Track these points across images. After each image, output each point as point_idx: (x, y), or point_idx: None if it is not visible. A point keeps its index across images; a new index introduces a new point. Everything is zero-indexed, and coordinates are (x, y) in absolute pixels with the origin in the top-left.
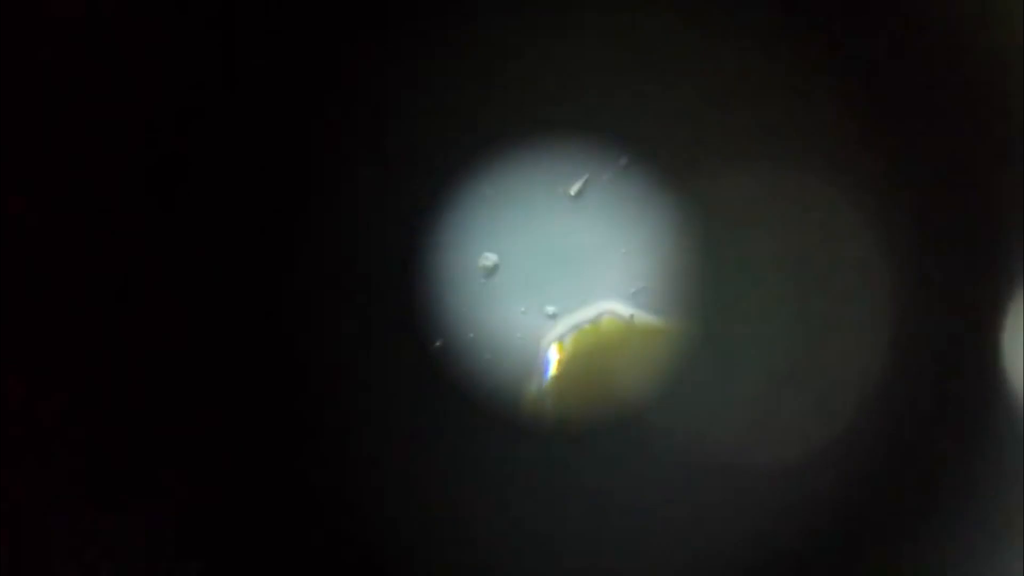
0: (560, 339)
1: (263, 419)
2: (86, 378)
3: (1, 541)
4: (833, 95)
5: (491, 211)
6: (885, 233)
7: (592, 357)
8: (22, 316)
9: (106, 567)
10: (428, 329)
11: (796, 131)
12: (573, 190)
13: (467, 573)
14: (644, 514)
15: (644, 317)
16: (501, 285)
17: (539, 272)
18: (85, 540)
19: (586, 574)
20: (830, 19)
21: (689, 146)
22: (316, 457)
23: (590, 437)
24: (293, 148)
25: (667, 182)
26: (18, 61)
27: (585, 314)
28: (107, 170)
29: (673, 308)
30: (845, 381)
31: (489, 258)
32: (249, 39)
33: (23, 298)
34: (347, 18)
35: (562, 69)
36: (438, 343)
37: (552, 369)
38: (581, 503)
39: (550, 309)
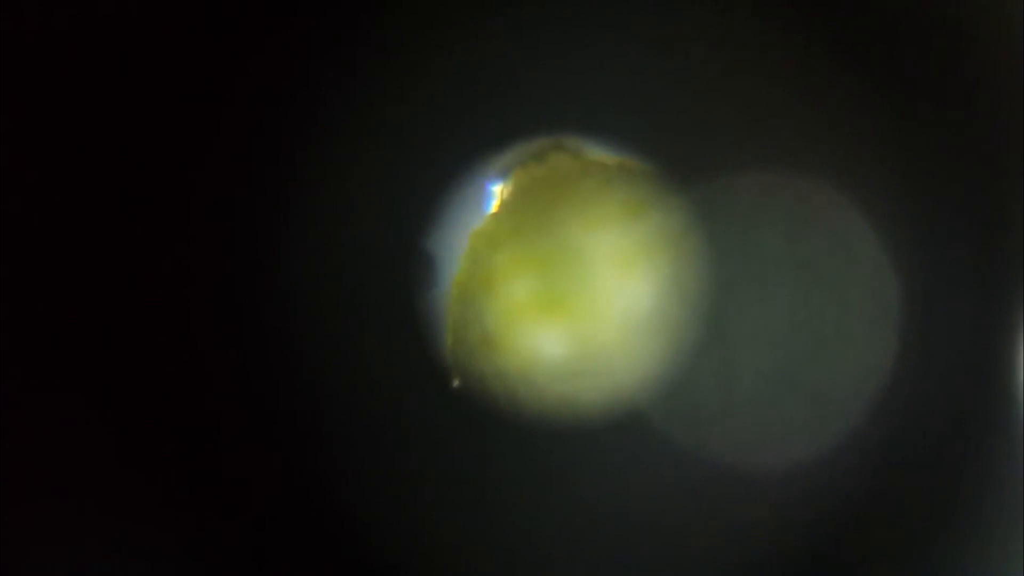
0: (504, 173)
1: (261, 418)
2: (85, 379)
3: (1, 542)
4: (835, 96)
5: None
6: (888, 235)
7: (538, 192)
8: (22, 316)
9: (107, 569)
10: (427, 330)
11: (798, 133)
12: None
13: (467, 573)
14: (645, 515)
15: (595, 151)
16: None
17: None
18: (86, 542)
19: (583, 574)
20: (832, 20)
21: (692, 148)
22: (315, 459)
23: (589, 437)
24: (291, 147)
25: (670, 184)
26: (18, 61)
27: (531, 148)
28: (107, 170)
29: (627, 144)
30: (848, 383)
31: None
32: (248, 37)
33: (23, 298)
34: (347, 16)
35: (564, 70)
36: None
37: (494, 205)
38: (579, 504)
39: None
